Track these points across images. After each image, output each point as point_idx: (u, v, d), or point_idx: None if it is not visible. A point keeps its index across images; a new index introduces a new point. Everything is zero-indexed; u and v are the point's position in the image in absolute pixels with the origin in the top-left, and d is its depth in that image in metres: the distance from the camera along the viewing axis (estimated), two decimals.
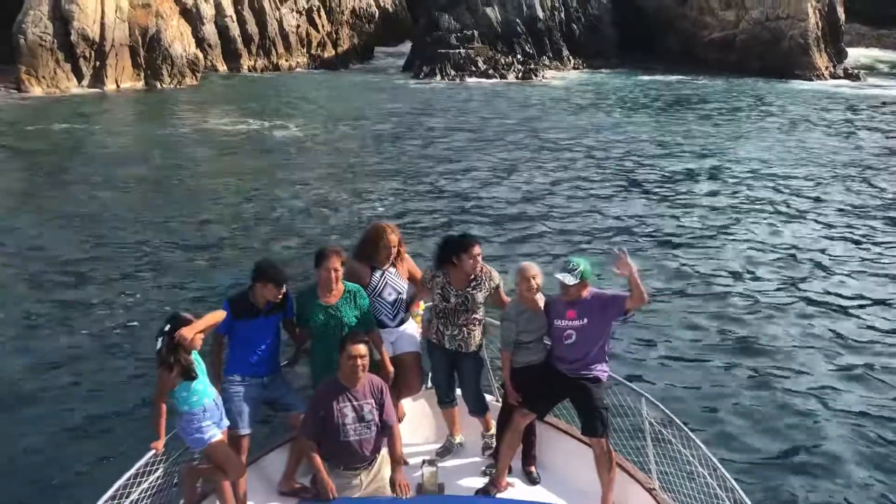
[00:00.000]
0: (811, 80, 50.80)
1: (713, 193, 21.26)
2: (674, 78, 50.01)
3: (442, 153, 25.79)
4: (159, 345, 5.68)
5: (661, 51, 57.01)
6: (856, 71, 54.01)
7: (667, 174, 23.36)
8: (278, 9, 54.26)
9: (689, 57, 55.28)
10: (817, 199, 20.75)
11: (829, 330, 12.47)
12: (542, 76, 47.61)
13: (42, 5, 37.94)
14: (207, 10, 48.85)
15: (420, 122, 31.92)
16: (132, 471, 5.50)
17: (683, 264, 15.48)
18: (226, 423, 6.01)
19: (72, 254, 15.77)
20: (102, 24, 38.98)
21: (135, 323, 12.36)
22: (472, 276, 6.46)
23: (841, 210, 19.72)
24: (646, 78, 49.65)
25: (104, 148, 26.36)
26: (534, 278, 6.29)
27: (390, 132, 29.71)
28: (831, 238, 17.37)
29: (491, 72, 47.74)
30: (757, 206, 19.91)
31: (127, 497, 5.38)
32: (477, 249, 6.39)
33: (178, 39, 41.90)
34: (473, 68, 48.50)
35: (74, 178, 22.01)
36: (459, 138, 28.39)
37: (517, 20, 55.22)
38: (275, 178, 22.22)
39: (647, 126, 31.83)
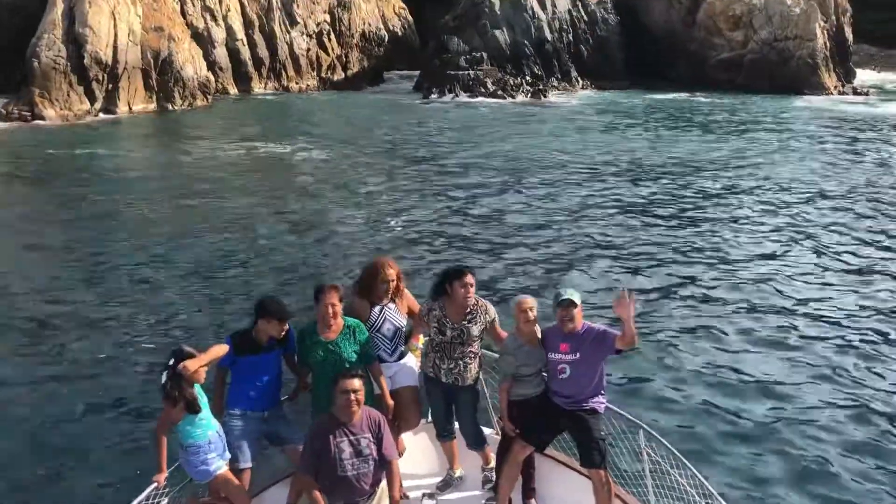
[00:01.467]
0: (819, 95, 51.05)
1: (718, 217, 21.16)
2: (682, 96, 50.16)
3: (449, 176, 25.84)
4: (164, 379, 5.75)
5: (669, 72, 57.31)
6: (866, 89, 54.16)
7: (673, 196, 23.36)
8: (288, 32, 54.82)
9: (698, 78, 55.57)
10: (826, 223, 20.52)
11: (833, 361, 12.32)
12: (551, 96, 47.84)
13: (56, 29, 38.46)
14: (219, 34, 49.43)
15: (429, 144, 32.05)
16: None
17: (682, 291, 15.38)
18: (228, 455, 6.06)
19: (81, 279, 15.89)
20: (115, 48, 39.48)
21: (137, 353, 12.39)
22: (468, 310, 6.49)
23: (849, 234, 19.54)
24: (654, 97, 49.80)
25: (118, 172, 26.59)
26: (530, 310, 6.35)
27: (399, 154, 29.85)
28: (837, 267, 17.14)
29: (500, 93, 48.01)
30: (762, 230, 19.80)
31: None
32: (469, 278, 6.42)
33: (190, 62, 42.36)
34: (482, 89, 48.81)
35: (87, 203, 22.22)
36: (467, 160, 28.45)
37: (525, 42, 55.60)
38: (286, 203, 22.32)
39: (653, 145, 31.87)
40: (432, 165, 27.65)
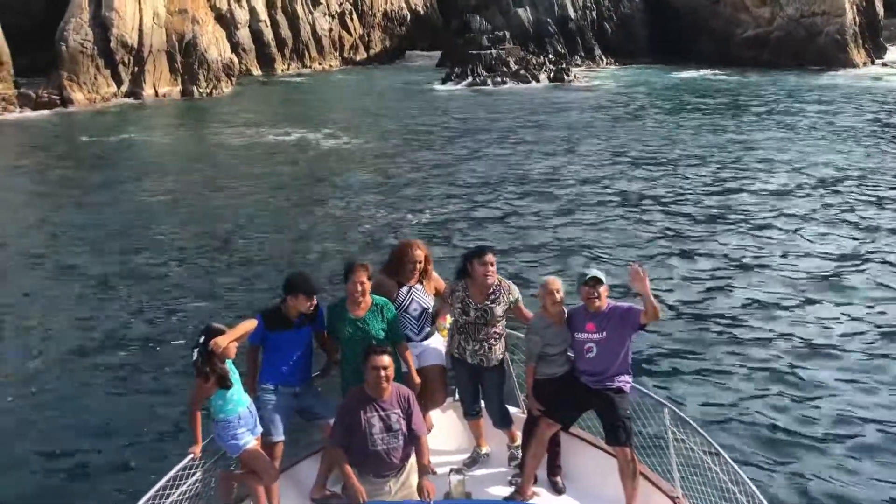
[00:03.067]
0: (847, 70, 50.26)
1: (744, 199, 20.87)
2: (708, 74, 49.63)
3: (474, 162, 25.45)
4: (195, 355, 5.92)
5: (693, 49, 56.71)
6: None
7: (702, 180, 23.03)
8: (311, 13, 54.89)
9: (723, 55, 54.95)
10: (866, 209, 19.81)
11: (861, 342, 12.18)
12: (574, 76, 47.20)
13: (83, 13, 38.77)
14: (242, 16, 49.60)
15: (455, 128, 31.79)
16: (171, 474, 5.72)
17: (706, 271, 15.31)
18: (260, 429, 6.23)
19: (113, 263, 16.11)
20: (140, 31, 39.76)
21: (171, 331, 12.66)
22: (490, 290, 6.54)
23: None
24: (680, 75, 49.28)
25: (146, 159, 26.76)
26: (557, 292, 6.41)
27: (423, 140, 29.55)
28: (873, 252, 16.64)
29: (522, 72, 47.54)
30: (792, 214, 19.34)
31: (166, 499, 5.60)
32: (489, 257, 6.47)
33: (214, 44, 42.54)
34: (505, 69, 48.42)
35: (116, 189, 22.44)
36: (491, 145, 28.17)
37: (549, 20, 55.31)
38: (313, 190, 22.27)
39: (683, 130, 31.36)
40: (457, 151, 27.40)
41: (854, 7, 53.91)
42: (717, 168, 24.25)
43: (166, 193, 21.95)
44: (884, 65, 53.14)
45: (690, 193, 21.24)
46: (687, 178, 23.04)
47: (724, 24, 57.00)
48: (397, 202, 20.76)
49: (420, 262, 6.73)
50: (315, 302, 6.43)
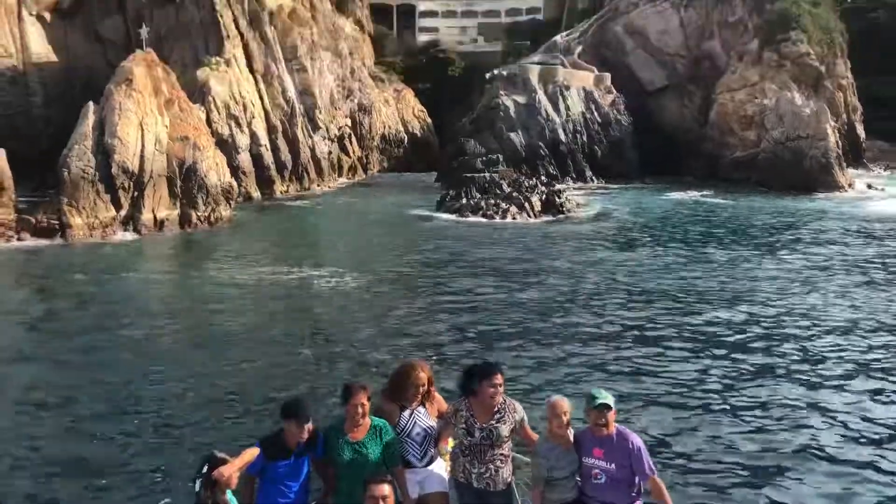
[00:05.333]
0: (833, 193, 51.46)
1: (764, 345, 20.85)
2: (696, 196, 50.53)
3: (474, 293, 24.50)
4: (197, 486, 5.74)
5: (683, 170, 58.29)
6: (880, 186, 54.62)
7: (702, 316, 22.86)
8: (311, 136, 56.43)
9: (712, 176, 56.42)
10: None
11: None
12: (566, 199, 47.49)
13: (87, 140, 39.62)
14: (243, 140, 50.84)
15: (452, 263, 31.21)
16: None
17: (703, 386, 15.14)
18: None
19: (111, 402, 15.64)
20: (142, 157, 40.49)
21: (172, 469, 12.28)
22: (496, 409, 6.43)
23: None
24: (670, 197, 50.10)
25: (142, 298, 26.09)
26: (564, 414, 6.30)
27: (424, 274, 28.80)
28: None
29: (515, 194, 48.04)
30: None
31: None
32: (498, 378, 6.38)
33: (214, 169, 43.29)
34: (498, 191, 49.22)
35: (112, 328, 21.70)
36: (493, 277, 27.57)
37: (540, 143, 57.07)
38: (311, 328, 21.30)
39: (678, 260, 30.95)
40: (455, 286, 26.46)
41: (836, 131, 55.72)
42: (723, 303, 23.66)
43: (160, 336, 21.25)
44: (869, 186, 54.51)
45: (696, 324, 20.82)
46: (691, 311, 22.65)
47: (712, 146, 58.88)
48: (395, 341, 19.99)
49: (423, 385, 6.64)
50: (310, 429, 6.29)
